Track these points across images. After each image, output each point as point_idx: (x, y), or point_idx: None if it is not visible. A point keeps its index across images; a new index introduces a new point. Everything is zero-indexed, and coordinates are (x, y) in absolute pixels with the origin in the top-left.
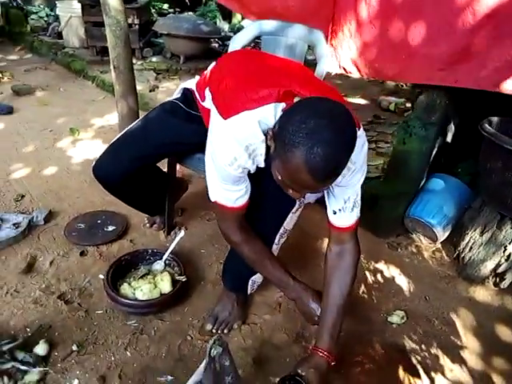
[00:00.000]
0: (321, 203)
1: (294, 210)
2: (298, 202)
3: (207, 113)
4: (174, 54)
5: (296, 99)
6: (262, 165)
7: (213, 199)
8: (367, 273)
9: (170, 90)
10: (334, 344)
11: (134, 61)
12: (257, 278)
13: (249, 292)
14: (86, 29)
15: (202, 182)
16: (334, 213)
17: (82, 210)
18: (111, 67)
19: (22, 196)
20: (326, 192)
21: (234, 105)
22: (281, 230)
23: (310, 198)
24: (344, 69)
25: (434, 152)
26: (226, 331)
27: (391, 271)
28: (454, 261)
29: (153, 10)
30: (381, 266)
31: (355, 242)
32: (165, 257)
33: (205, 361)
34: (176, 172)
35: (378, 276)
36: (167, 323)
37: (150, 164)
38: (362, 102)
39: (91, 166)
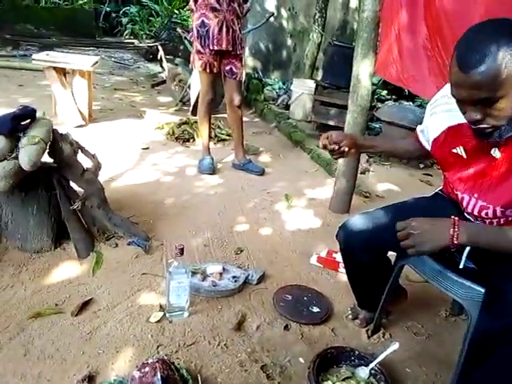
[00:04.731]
0: None
1: None
2: None
3: None
4: None
5: None
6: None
7: None
8: None
9: (381, 174)
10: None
11: None
12: None
13: None
14: (314, 105)
15: (420, 292)
16: None
17: (288, 280)
18: None
19: (241, 250)
20: None
21: None
22: None
23: None
24: None
25: None
26: None
27: None
28: None
29: (375, 96)
30: None
31: None
32: (371, 365)
33: None
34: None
35: None
36: None
37: (386, 247)
38: None
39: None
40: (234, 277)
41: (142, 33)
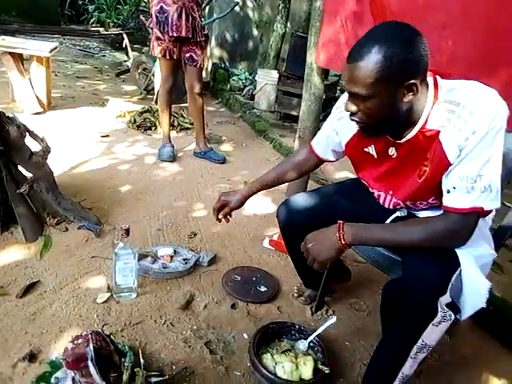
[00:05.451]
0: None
1: (435, 322)
2: (440, 311)
3: None
4: None
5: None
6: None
7: None
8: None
9: (339, 162)
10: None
11: None
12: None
13: None
14: (277, 96)
15: (365, 271)
16: (448, 192)
17: (240, 262)
18: (296, 136)
19: (195, 234)
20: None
21: None
22: (418, 343)
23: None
24: None
25: None
26: None
27: None
28: None
29: (338, 88)
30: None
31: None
32: (310, 338)
33: None
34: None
35: None
36: None
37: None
38: None
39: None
40: (184, 259)
41: (109, 21)
